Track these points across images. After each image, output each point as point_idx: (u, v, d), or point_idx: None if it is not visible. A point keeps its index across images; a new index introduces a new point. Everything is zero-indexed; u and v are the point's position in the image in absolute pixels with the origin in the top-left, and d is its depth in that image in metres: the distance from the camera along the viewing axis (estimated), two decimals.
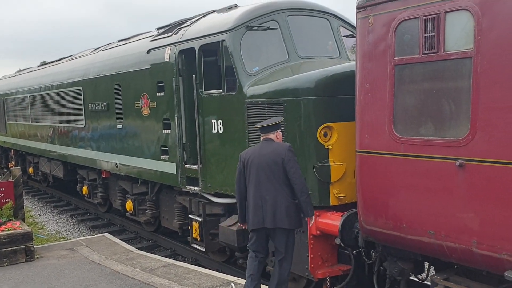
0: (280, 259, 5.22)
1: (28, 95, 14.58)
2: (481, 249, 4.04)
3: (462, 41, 4.07)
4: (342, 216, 5.49)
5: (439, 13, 4.18)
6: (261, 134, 5.34)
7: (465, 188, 4.09)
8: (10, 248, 7.37)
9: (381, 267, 5.48)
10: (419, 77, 4.42)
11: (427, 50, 4.29)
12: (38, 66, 16.36)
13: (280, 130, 5.36)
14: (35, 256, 7.62)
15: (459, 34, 4.10)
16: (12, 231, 7.46)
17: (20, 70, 19.76)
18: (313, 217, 5.24)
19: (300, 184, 5.02)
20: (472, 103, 4.00)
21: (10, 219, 7.94)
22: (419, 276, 5.59)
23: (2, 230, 7.50)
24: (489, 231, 3.97)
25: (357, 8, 4.89)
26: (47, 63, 15.44)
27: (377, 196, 4.81)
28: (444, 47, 4.17)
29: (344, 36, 7.46)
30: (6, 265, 7.27)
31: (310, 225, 5.59)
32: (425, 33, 4.29)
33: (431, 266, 5.33)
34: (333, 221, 5.57)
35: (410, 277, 5.57)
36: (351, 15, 7.32)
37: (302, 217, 5.23)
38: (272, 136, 5.26)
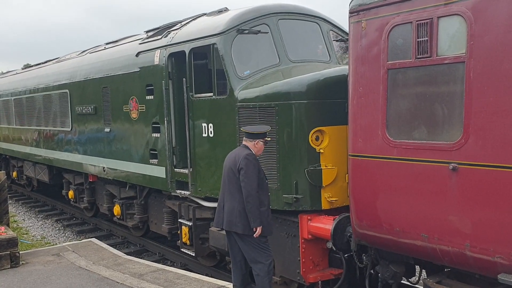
0: (252, 264, 5.27)
1: (13, 98, 14.35)
2: (474, 252, 4.06)
3: (455, 46, 4.11)
4: (334, 220, 5.49)
5: (432, 18, 4.21)
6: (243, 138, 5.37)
7: (458, 191, 4.12)
8: None
9: (372, 271, 5.50)
10: (412, 81, 4.45)
11: (420, 54, 4.31)
12: (22, 69, 16.13)
13: (261, 140, 5.26)
14: (21, 262, 7.47)
15: (452, 39, 4.14)
16: None
17: (3, 73, 19.46)
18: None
19: (246, 193, 5.03)
20: (465, 107, 4.03)
21: None
22: (411, 280, 5.61)
23: None
24: (482, 234, 4.00)
25: (350, 12, 4.90)
26: (31, 66, 15.23)
27: (370, 199, 4.82)
28: (437, 52, 4.21)
29: (334, 40, 7.50)
30: None
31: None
32: (418, 38, 4.32)
33: (423, 270, 5.36)
34: (325, 225, 5.57)
35: (402, 281, 5.58)
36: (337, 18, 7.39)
37: (269, 224, 5.22)
38: (249, 143, 5.26)
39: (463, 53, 4.04)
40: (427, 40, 4.25)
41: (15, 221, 12.78)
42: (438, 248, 4.34)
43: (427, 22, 4.24)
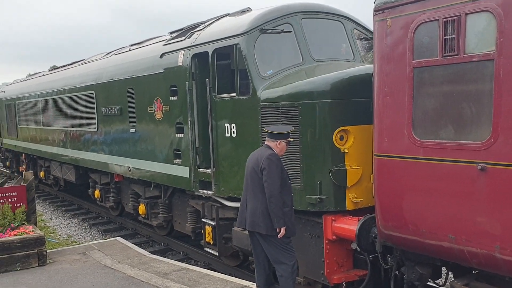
0: (275, 264, 5.24)
1: (40, 99, 14.65)
2: (505, 254, 3.96)
3: (484, 43, 4.01)
4: (359, 220, 5.43)
5: (460, 15, 4.12)
6: (266, 138, 5.36)
7: (487, 192, 4.02)
8: (23, 253, 7.37)
9: (398, 272, 5.41)
10: (438, 80, 4.36)
11: (447, 52, 4.23)
12: (49, 70, 16.44)
13: (284, 141, 5.23)
14: (48, 261, 7.61)
15: (480, 36, 4.04)
16: (25, 236, 7.47)
17: (30, 75, 19.90)
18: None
19: (269, 193, 5.01)
20: (494, 106, 3.93)
21: (23, 224, 7.95)
22: (437, 282, 5.51)
23: (15, 234, 7.51)
24: None
25: (375, 10, 4.84)
26: (58, 67, 15.51)
27: (396, 200, 4.75)
28: (465, 49, 4.11)
29: (358, 39, 7.42)
30: (19, 270, 7.27)
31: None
32: (444, 36, 4.23)
33: (450, 272, 5.25)
34: (350, 225, 5.51)
35: (428, 283, 5.49)
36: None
37: (293, 224, 5.20)
38: (271, 143, 5.24)
39: (492, 51, 3.94)
40: (454, 37, 4.16)
41: (43, 220, 13.04)
42: (466, 249, 4.24)
43: (454, 19, 4.15)
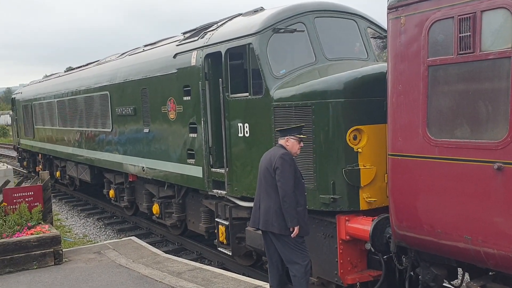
0: (288, 264, 5.22)
1: (56, 100, 14.82)
2: None
3: (500, 41, 3.94)
4: (373, 220, 5.38)
5: (475, 12, 4.06)
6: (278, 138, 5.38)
7: (504, 192, 3.95)
8: (40, 252, 7.46)
9: (412, 273, 5.35)
10: (454, 78, 4.30)
11: (463, 50, 4.17)
12: (65, 72, 16.63)
13: (292, 137, 5.18)
14: (64, 259, 7.70)
15: (496, 33, 3.97)
16: (41, 235, 7.56)
17: (47, 76, 20.13)
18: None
19: (283, 192, 4.99)
20: (511, 105, 3.86)
21: (39, 223, 8.05)
22: (453, 283, 5.44)
23: (32, 234, 7.61)
24: None
25: (389, 8, 4.79)
26: (73, 69, 15.67)
27: (410, 200, 4.70)
28: (481, 47, 4.05)
29: (371, 37, 7.36)
30: (36, 268, 7.37)
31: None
32: (460, 33, 4.17)
33: (466, 273, 5.18)
34: (364, 225, 5.47)
35: (444, 284, 5.42)
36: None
37: (306, 224, 5.18)
38: (281, 141, 5.24)
39: (509, 48, 3.87)
40: (469, 35, 4.10)
41: (58, 220, 13.20)
42: (482, 250, 4.18)
43: (469, 17, 4.09)
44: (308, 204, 5.43)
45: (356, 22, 7.22)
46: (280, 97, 6.21)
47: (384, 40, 7.27)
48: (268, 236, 5.28)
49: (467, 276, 5.17)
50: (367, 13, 7.48)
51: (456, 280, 5.38)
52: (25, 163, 21.10)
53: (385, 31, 7.27)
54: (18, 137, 20.86)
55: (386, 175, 5.53)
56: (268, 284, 5.65)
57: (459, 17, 4.17)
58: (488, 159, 4.05)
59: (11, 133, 35.04)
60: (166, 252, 8.66)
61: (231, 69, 7.09)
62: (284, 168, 5.00)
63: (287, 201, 4.97)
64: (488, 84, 4.07)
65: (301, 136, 5.31)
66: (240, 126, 6.87)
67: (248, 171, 6.84)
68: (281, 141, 5.25)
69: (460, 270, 5.28)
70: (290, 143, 5.21)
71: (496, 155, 3.99)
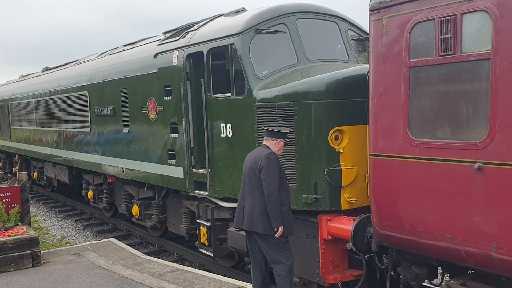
0: (272, 264, 5.23)
1: (33, 100, 14.55)
2: (501, 253, 3.97)
3: (480, 43, 4.02)
4: (354, 220, 5.42)
5: (456, 15, 4.13)
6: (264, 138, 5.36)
7: (484, 191, 4.03)
8: (17, 253, 7.31)
9: (393, 272, 5.41)
10: (435, 79, 4.37)
11: (443, 52, 4.23)
12: (42, 71, 16.34)
13: (283, 140, 5.25)
14: (42, 261, 7.55)
15: (476, 35, 4.05)
16: (19, 236, 7.41)
17: (23, 76, 19.77)
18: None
19: (268, 192, 4.99)
20: (491, 105, 3.94)
21: (17, 224, 7.89)
22: (433, 282, 5.52)
23: (9, 235, 7.45)
24: (509, 235, 3.90)
25: (371, 10, 4.84)
26: (51, 68, 15.42)
27: (392, 200, 4.74)
28: (461, 49, 4.12)
29: (352, 39, 7.42)
30: (13, 270, 7.21)
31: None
32: (441, 35, 4.24)
33: (446, 272, 5.26)
34: (345, 225, 5.51)
35: (424, 283, 5.49)
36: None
37: (290, 224, 5.18)
38: (269, 142, 5.24)
39: (488, 50, 3.95)
40: (450, 37, 4.17)
41: (36, 221, 12.96)
42: (462, 249, 4.24)
43: (450, 19, 4.16)
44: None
45: (337, 24, 7.28)
46: (263, 98, 6.21)
47: (365, 42, 7.34)
48: (252, 236, 5.27)
49: (447, 275, 5.24)
50: (348, 16, 7.55)
51: (436, 279, 5.45)
52: (1, 164, 20.67)
53: (365, 33, 7.35)
54: None
55: (367, 175, 5.58)
56: (251, 285, 5.64)
57: (440, 19, 4.24)
58: (469, 159, 4.11)
59: None
60: (146, 253, 8.58)
61: (213, 69, 7.07)
62: (270, 168, 5.00)
63: (272, 201, 4.97)
64: (469, 85, 4.14)
65: (288, 140, 5.38)
66: (223, 126, 6.85)
67: (231, 172, 6.82)
68: (270, 142, 5.24)
69: (440, 269, 5.35)
70: (280, 145, 5.25)
71: (476, 155, 4.06)
